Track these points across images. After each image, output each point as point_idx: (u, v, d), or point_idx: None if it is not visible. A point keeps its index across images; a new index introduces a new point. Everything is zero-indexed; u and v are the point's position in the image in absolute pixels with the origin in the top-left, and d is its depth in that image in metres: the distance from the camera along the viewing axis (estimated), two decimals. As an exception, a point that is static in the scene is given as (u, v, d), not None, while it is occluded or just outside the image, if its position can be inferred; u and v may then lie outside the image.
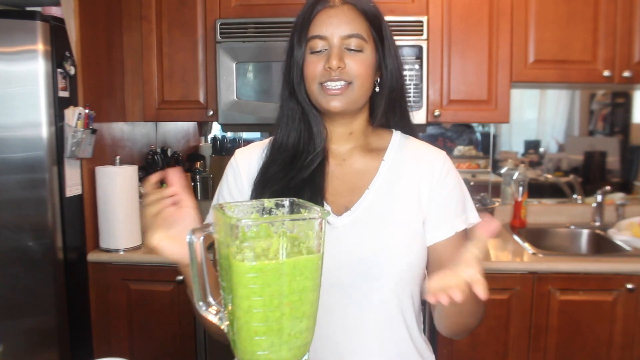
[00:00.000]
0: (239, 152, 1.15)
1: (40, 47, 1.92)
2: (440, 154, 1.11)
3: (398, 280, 1.03)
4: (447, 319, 1.05)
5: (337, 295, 1.00)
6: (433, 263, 1.08)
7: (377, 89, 1.08)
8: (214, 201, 1.14)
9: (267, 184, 1.05)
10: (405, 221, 1.05)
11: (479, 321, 1.04)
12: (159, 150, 2.53)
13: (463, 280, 0.76)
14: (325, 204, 1.05)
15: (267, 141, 1.15)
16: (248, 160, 1.12)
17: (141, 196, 2.36)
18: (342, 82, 1.01)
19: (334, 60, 0.99)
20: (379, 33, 1.05)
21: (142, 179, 2.42)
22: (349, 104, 1.04)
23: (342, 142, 1.11)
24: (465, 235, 1.08)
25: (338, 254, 0.99)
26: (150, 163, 2.44)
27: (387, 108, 1.10)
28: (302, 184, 1.04)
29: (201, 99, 2.38)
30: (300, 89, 1.06)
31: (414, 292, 1.06)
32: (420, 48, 2.21)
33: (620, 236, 2.32)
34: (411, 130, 1.15)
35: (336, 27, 1.01)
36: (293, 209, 0.80)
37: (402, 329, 1.06)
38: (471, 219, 1.08)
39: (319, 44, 1.02)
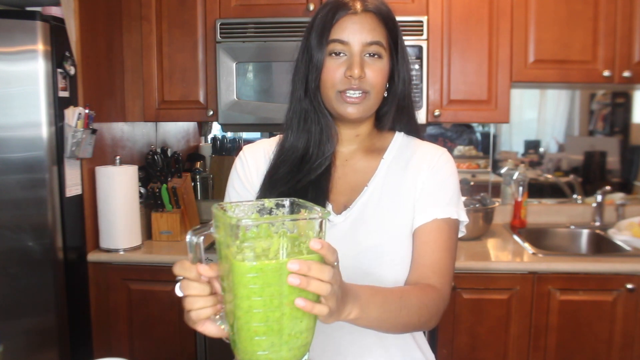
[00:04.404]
0: (247, 148, 1.18)
1: (40, 47, 1.92)
2: (440, 149, 1.13)
3: (395, 275, 1.04)
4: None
5: None
6: (413, 248, 1.07)
7: (385, 94, 1.09)
8: (226, 196, 1.16)
9: (275, 185, 1.07)
10: (401, 217, 1.06)
11: (429, 318, 0.97)
12: (159, 150, 2.53)
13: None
14: (326, 202, 1.06)
15: (274, 139, 1.16)
16: (256, 156, 1.15)
17: (141, 196, 2.36)
18: (360, 91, 1.03)
19: (356, 69, 1.01)
20: (395, 41, 1.07)
21: (142, 179, 2.42)
22: (365, 112, 1.06)
23: (347, 143, 1.13)
24: (450, 227, 1.07)
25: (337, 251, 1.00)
26: (150, 163, 2.44)
27: (396, 113, 1.12)
28: (308, 185, 1.06)
29: (201, 99, 2.38)
30: (316, 93, 1.07)
31: None
32: (420, 48, 2.21)
33: (620, 236, 2.32)
34: (417, 133, 1.17)
35: (358, 34, 1.02)
36: (293, 209, 0.80)
37: None
38: (455, 215, 1.07)
39: (339, 48, 1.03)
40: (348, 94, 1.03)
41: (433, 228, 1.05)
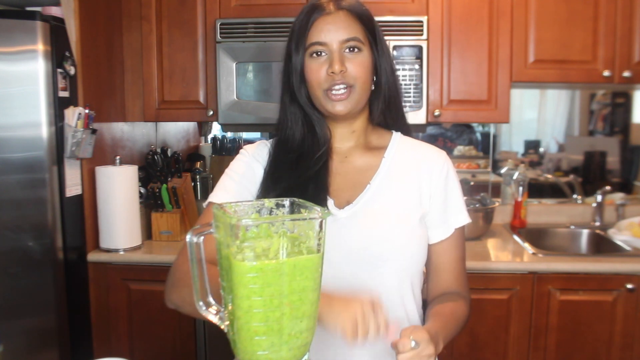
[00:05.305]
0: (248, 146, 1.20)
1: (40, 47, 1.92)
2: (441, 153, 1.16)
3: (398, 271, 1.07)
4: None
5: (340, 286, 1.02)
6: (433, 263, 1.14)
7: (373, 87, 1.12)
8: (221, 181, 1.15)
9: (276, 182, 1.09)
10: (405, 214, 1.09)
11: (464, 327, 1.11)
12: (159, 150, 2.53)
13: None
14: (327, 197, 1.08)
15: (272, 141, 1.19)
16: (257, 153, 1.16)
17: (141, 196, 2.36)
18: (345, 86, 1.05)
19: (336, 65, 1.04)
20: (373, 35, 1.09)
21: (142, 179, 2.42)
22: (353, 107, 1.08)
23: (344, 140, 1.15)
24: (463, 234, 1.15)
25: (340, 245, 1.04)
26: (150, 163, 2.44)
27: (384, 106, 1.14)
28: (307, 181, 1.08)
29: (201, 99, 2.38)
30: (300, 94, 1.10)
31: (414, 284, 1.11)
32: (420, 48, 2.21)
33: (620, 236, 2.32)
34: (407, 129, 1.20)
35: (334, 33, 1.05)
36: (293, 209, 0.81)
37: (403, 321, 1.09)
38: (467, 220, 1.14)
39: (319, 50, 1.06)
40: (333, 91, 1.05)
41: (452, 242, 1.12)
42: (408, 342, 0.84)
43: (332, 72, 1.04)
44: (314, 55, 1.06)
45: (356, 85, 1.06)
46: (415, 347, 0.85)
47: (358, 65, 1.06)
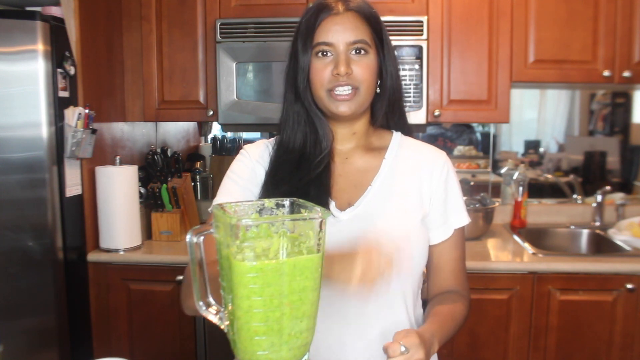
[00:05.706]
0: (248, 146, 1.19)
1: (40, 47, 1.92)
2: (441, 154, 1.15)
3: (399, 272, 1.06)
4: None
5: (340, 287, 1.02)
6: (433, 263, 1.14)
7: (377, 90, 1.11)
8: (223, 184, 1.14)
9: (277, 185, 1.08)
10: (405, 215, 1.09)
11: (463, 325, 1.12)
12: (159, 150, 2.53)
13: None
14: (330, 199, 1.08)
15: (272, 140, 1.18)
16: (257, 153, 1.15)
17: (141, 196, 2.36)
18: (350, 88, 1.04)
19: (342, 67, 1.03)
20: (380, 37, 1.09)
21: (142, 179, 2.42)
22: (357, 108, 1.07)
23: (345, 141, 1.15)
24: (463, 234, 1.15)
25: (341, 247, 1.02)
26: (150, 163, 2.44)
27: (387, 109, 1.13)
28: (309, 183, 1.07)
29: (201, 99, 2.38)
30: (306, 94, 1.09)
31: (414, 285, 1.11)
32: (420, 48, 2.21)
33: (620, 236, 2.32)
34: (409, 130, 1.19)
35: (342, 34, 1.04)
36: (293, 209, 0.81)
37: (405, 321, 1.09)
38: (467, 220, 1.14)
39: (325, 50, 1.05)
40: (337, 92, 1.05)
41: (453, 242, 1.13)
42: (398, 347, 0.85)
43: (337, 74, 1.03)
44: (320, 55, 1.05)
45: (361, 88, 1.05)
46: (405, 352, 0.85)
47: (364, 68, 1.05)
